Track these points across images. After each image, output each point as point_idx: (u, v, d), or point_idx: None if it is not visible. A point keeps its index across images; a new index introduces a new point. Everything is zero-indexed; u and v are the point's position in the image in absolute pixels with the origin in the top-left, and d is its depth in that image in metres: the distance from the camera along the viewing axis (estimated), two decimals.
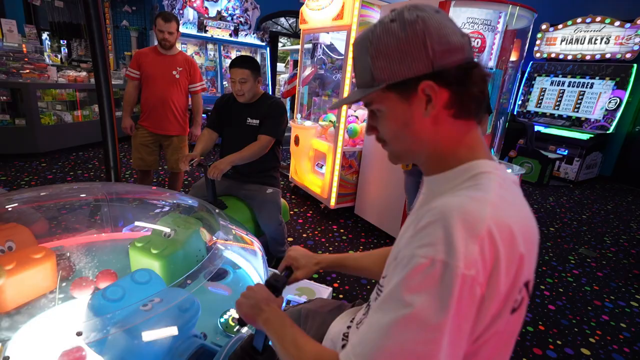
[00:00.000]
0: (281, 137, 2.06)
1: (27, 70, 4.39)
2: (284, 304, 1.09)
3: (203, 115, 5.63)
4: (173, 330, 1.05)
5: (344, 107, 3.17)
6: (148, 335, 1.03)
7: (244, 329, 1.19)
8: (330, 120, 3.60)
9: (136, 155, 2.73)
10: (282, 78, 8.52)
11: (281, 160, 2.22)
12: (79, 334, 0.84)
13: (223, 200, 1.98)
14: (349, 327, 0.79)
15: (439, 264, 0.47)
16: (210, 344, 1.10)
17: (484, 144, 0.62)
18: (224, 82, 6.09)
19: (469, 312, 0.48)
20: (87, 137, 4.91)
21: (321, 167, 3.66)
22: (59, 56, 5.84)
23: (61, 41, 6.50)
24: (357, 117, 3.49)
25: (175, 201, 1.68)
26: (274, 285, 0.81)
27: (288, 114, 2.19)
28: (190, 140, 2.90)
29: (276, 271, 0.91)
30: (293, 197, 3.96)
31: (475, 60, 0.60)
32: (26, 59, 4.59)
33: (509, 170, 2.83)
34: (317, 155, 3.68)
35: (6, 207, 1.44)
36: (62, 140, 4.63)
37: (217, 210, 1.49)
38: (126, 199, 1.70)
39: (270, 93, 5.28)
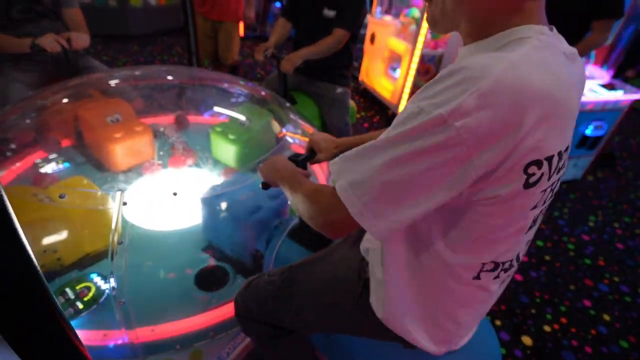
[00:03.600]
0: (357, 31, 1.93)
1: None
2: None
3: (277, 4, 5.37)
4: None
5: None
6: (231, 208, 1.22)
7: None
8: (413, 17, 3.22)
9: (201, 46, 2.76)
10: None
11: (354, 59, 2.12)
12: (175, 194, 1.03)
13: (293, 96, 2.03)
14: None
15: (423, 113, 0.45)
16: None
17: (543, 17, 0.52)
18: None
19: (442, 160, 0.45)
20: (170, 22, 5.07)
21: (394, 71, 3.43)
22: None
23: None
24: None
25: (249, 92, 1.76)
26: (294, 160, 0.90)
27: (367, 6, 2.00)
28: (246, 22, 2.84)
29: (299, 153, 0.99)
30: (361, 99, 3.86)
31: None
32: None
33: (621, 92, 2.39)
34: (392, 56, 3.42)
35: (110, 83, 1.65)
36: (149, 23, 4.87)
37: (287, 105, 1.55)
38: (206, 85, 1.82)
39: None
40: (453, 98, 0.43)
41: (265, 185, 0.87)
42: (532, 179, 0.48)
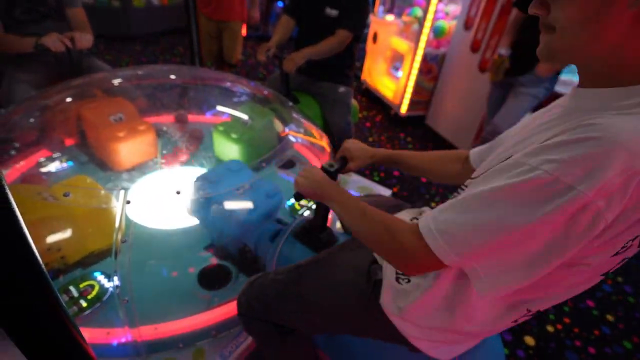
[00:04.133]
0: (360, 32, 1.93)
1: None
2: None
3: (279, 4, 5.37)
4: (249, 205, 1.22)
5: (433, 1, 2.76)
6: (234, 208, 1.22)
7: (307, 214, 1.35)
8: (415, 16, 3.21)
9: (204, 47, 2.78)
10: None
11: (356, 59, 2.12)
12: (178, 192, 1.03)
13: (296, 95, 2.03)
14: (412, 220, 0.82)
15: (562, 186, 0.40)
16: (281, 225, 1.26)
17: None
18: None
19: (582, 237, 0.42)
20: (172, 22, 5.08)
21: (397, 70, 3.43)
22: None
23: None
24: (447, 13, 3.05)
25: (251, 91, 1.77)
26: (328, 171, 0.88)
27: (370, 6, 2.00)
28: (250, 22, 2.88)
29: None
30: (363, 99, 3.86)
31: None
32: None
33: None
34: (395, 56, 3.41)
35: (112, 82, 1.65)
36: (151, 24, 4.88)
37: (290, 104, 1.55)
38: (209, 85, 1.82)
39: None
40: (597, 174, 0.39)
41: (299, 196, 0.85)
42: (624, 249, 0.47)
